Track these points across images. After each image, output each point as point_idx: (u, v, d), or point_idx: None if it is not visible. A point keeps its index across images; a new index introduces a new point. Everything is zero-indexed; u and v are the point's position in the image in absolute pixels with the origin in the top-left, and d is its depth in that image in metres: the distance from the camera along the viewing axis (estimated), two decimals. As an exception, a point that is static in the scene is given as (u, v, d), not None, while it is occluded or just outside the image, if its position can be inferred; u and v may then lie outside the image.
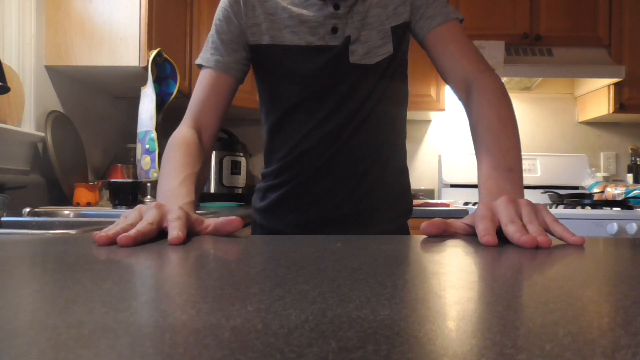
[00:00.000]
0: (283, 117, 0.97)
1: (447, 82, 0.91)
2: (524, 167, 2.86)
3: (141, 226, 0.55)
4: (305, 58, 0.92)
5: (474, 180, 2.74)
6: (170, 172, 0.78)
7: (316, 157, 0.95)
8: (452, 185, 2.77)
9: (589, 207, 2.28)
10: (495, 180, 0.71)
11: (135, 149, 1.83)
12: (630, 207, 2.25)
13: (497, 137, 0.77)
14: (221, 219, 0.62)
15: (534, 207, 0.60)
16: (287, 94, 0.95)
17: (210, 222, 0.63)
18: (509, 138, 0.77)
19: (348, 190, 0.95)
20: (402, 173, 1.03)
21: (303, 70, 0.92)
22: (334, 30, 0.91)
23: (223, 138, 2.65)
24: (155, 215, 0.58)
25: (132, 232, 0.52)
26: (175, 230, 0.55)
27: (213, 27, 0.97)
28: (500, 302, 0.27)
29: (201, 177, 0.86)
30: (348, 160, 0.95)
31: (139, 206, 0.62)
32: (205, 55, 0.95)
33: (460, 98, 0.90)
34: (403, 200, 1.02)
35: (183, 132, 0.89)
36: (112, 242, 0.52)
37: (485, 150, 0.76)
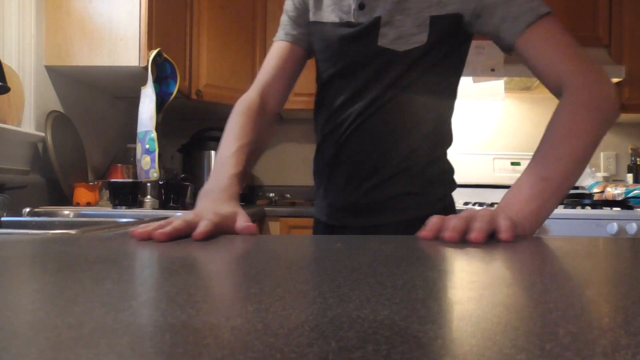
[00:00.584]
0: (319, 95, 1.00)
1: (547, 87, 0.81)
2: (524, 166, 2.86)
3: (177, 223, 0.59)
4: (335, 33, 0.92)
5: (475, 180, 2.74)
6: (226, 141, 0.85)
7: (335, 140, 0.94)
8: (452, 185, 2.76)
9: (589, 207, 2.28)
10: (517, 188, 0.68)
11: (135, 149, 1.83)
12: (630, 207, 2.25)
13: (553, 146, 0.70)
14: (244, 225, 0.67)
15: (492, 218, 0.58)
16: (321, 71, 0.98)
17: (239, 224, 0.68)
18: (568, 147, 0.70)
19: (361, 179, 0.93)
20: (432, 164, 0.94)
21: (332, 46, 0.93)
22: (361, 6, 0.89)
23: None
24: (192, 217, 0.62)
25: (168, 228, 0.56)
26: (200, 228, 0.59)
27: (284, 8, 1.03)
28: (500, 302, 0.27)
29: (259, 144, 0.90)
30: (362, 147, 0.92)
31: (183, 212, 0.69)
32: (277, 33, 1.03)
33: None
34: (427, 192, 0.93)
35: (247, 98, 0.94)
36: (149, 237, 0.56)
37: (534, 158, 0.72)
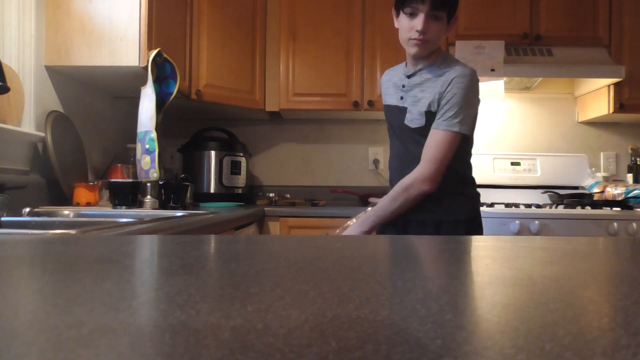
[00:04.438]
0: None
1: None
2: (524, 166, 2.85)
3: None
4: (392, 111, 1.55)
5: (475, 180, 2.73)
6: None
7: (400, 173, 1.51)
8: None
9: (589, 207, 2.28)
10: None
11: (135, 149, 1.83)
12: (630, 207, 2.25)
13: (388, 198, 1.46)
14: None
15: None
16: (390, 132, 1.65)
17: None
18: (394, 202, 1.44)
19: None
20: (434, 198, 1.46)
21: (391, 120, 1.57)
22: (401, 98, 1.51)
23: (222, 138, 2.65)
24: None
25: None
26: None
27: None
28: (500, 302, 0.27)
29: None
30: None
31: None
32: None
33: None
34: (429, 221, 1.49)
35: None
36: None
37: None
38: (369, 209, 1.51)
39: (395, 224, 1.50)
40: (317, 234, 1.88)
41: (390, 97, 1.55)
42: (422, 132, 1.46)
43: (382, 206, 1.44)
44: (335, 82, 2.53)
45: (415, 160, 1.46)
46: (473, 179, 1.56)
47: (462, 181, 1.52)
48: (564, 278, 0.34)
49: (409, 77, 1.49)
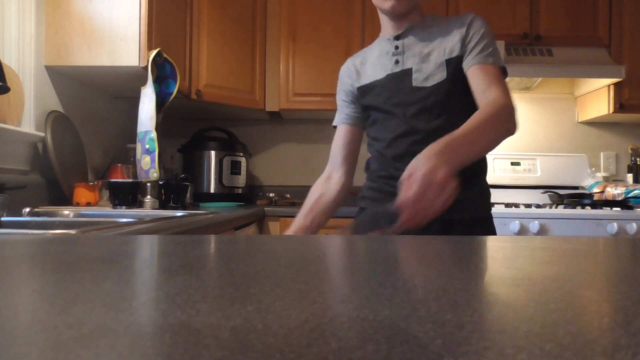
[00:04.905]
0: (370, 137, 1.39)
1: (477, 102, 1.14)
2: (524, 166, 2.85)
3: None
4: (383, 81, 1.26)
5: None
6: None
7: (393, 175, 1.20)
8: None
9: (589, 207, 2.28)
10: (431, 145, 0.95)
11: (135, 149, 1.83)
12: (630, 207, 2.25)
13: (464, 128, 1.00)
14: None
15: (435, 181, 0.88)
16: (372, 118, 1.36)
17: None
18: (476, 130, 1.00)
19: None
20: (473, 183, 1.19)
21: (383, 93, 1.25)
22: (396, 62, 1.24)
23: (222, 138, 2.64)
24: None
25: None
26: None
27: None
28: (499, 302, 0.27)
29: (324, 207, 1.35)
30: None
31: None
32: (336, 118, 1.41)
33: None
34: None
35: (317, 182, 1.42)
36: None
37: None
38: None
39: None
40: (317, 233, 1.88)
41: (375, 72, 1.27)
42: (441, 93, 1.17)
43: (462, 131, 0.99)
44: (335, 82, 2.53)
45: (428, 137, 1.11)
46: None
47: (484, 166, 1.26)
48: (564, 278, 0.34)
49: (397, 38, 1.25)
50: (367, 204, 1.29)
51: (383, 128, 1.24)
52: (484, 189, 1.24)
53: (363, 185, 1.33)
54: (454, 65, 1.18)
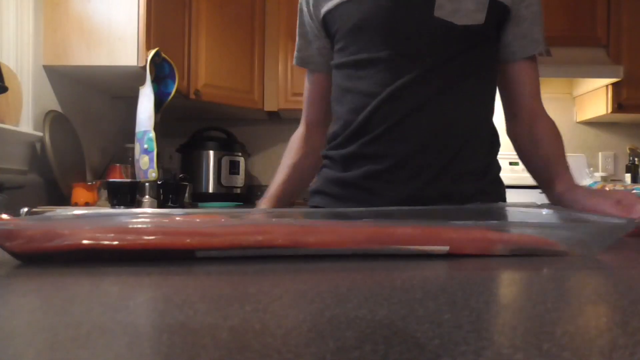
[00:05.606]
0: (342, 86, 0.97)
1: (508, 108, 1.01)
2: (522, 166, 2.86)
3: None
4: (377, 5, 0.81)
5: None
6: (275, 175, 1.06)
7: (387, 138, 0.84)
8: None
9: (587, 207, 2.28)
10: (576, 188, 0.88)
11: (133, 148, 1.83)
12: (629, 207, 2.25)
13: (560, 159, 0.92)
14: None
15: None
16: (348, 57, 0.94)
17: None
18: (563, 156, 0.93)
19: (424, 173, 0.84)
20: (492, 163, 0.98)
21: (372, 24, 0.82)
22: None
23: (221, 138, 2.64)
24: None
25: None
26: None
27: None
28: (498, 302, 0.27)
29: (301, 167, 1.06)
30: (421, 140, 0.84)
31: None
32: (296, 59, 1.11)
33: (520, 129, 0.99)
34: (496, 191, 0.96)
35: (295, 133, 1.12)
36: None
37: (558, 171, 0.91)
38: None
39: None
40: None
41: None
42: (473, 40, 0.81)
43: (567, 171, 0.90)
44: (333, 82, 2.53)
45: (454, 95, 0.83)
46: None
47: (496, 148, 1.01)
48: (562, 279, 0.34)
49: None
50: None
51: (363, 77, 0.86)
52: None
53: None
54: (497, 14, 0.82)
